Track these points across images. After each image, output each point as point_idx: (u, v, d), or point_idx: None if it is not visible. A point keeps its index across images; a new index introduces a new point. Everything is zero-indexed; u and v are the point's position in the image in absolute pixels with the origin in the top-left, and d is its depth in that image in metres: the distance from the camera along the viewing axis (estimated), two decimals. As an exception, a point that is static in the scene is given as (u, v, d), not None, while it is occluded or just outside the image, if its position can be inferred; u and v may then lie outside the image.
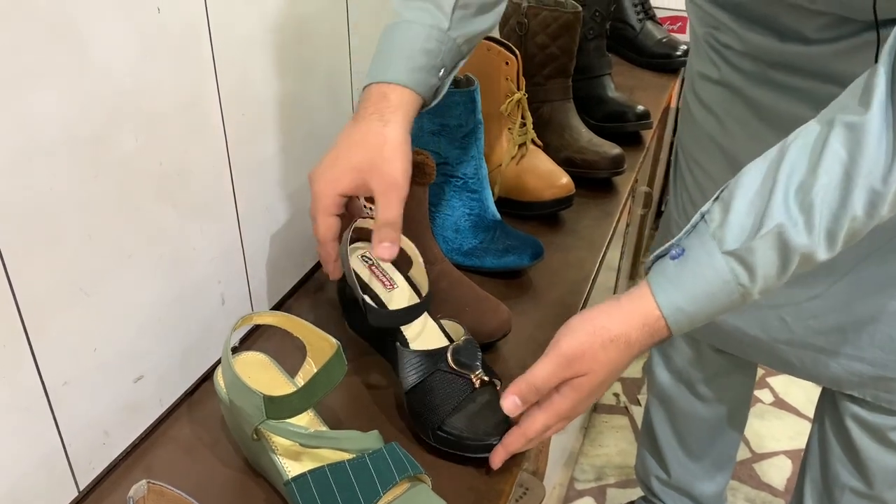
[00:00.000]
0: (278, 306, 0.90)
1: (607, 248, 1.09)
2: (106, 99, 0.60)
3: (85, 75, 0.57)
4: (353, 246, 0.81)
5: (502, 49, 1.09)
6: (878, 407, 1.02)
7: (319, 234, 0.71)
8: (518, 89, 1.10)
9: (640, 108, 1.35)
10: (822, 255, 0.61)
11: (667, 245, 0.66)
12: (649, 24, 1.72)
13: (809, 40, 0.79)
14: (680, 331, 0.65)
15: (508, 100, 1.10)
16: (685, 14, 1.87)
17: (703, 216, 0.65)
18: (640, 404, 1.74)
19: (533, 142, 1.14)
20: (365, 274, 0.79)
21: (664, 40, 1.69)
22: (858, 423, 1.06)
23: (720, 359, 1.24)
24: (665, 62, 1.68)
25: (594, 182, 1.21)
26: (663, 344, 1.07)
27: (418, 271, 0.80)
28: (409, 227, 0.77)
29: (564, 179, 1.11)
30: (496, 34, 1.39)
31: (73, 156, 0.58)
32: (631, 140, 1.37)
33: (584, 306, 0.96)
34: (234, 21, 0.72)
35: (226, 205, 0.77)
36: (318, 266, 0.98)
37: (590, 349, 0.64)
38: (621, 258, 1.55)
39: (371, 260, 0.81)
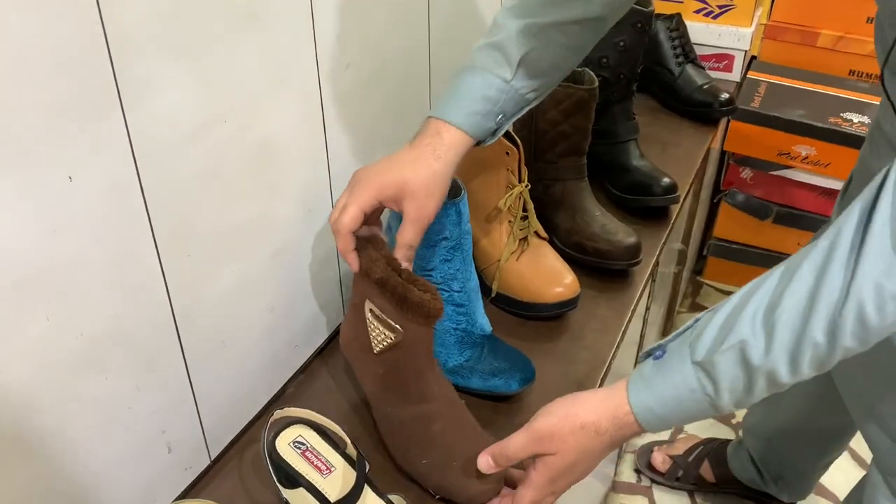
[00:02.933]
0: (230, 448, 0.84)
1: (612, 358, 1.00)
2: (7, 287, 0.54)
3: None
4: (284, 432, 0.74)
5: (503, 138, 1.00)
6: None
7: (344, 223, 0.74)
8: (520, 181, 1.02)
9: (667, 180, 1.24)
10: (785, 377, 0.62)
11: (656, 343, 0.70)
12: (689, 68, 1.60)
13: None
14: (652, 429, 0.68)
15: (509, 193, 1.01)
16: (731, 52, 1.75)
17: (695, 321, 0.68)
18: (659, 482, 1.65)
19: (537, 234, 1.05)
20: (298, 463, 0.72)
21: (705, 87, 1.56)
22: None
23: None
24: (704, 111, 1.55)
25: (603, 272, 1.12)
26: None
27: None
28: (411, 366, 0.77)
29: (569, 279, 1.02)
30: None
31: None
32: (655, 214, 1.26)
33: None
34: (174, 164, 0.66)
35: (170, 355, 0.72)
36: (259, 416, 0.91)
37: (559, 431, 0.69)
38: (642, 337, 1.44)
39: (304, 445, 0.74)
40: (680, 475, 1.62)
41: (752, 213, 1.91)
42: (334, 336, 0.98)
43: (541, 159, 1.15)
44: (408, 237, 0.76)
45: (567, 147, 1.13)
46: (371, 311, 0.76)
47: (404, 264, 0.75)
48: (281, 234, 0.83)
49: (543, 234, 1.06)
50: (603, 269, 1.11)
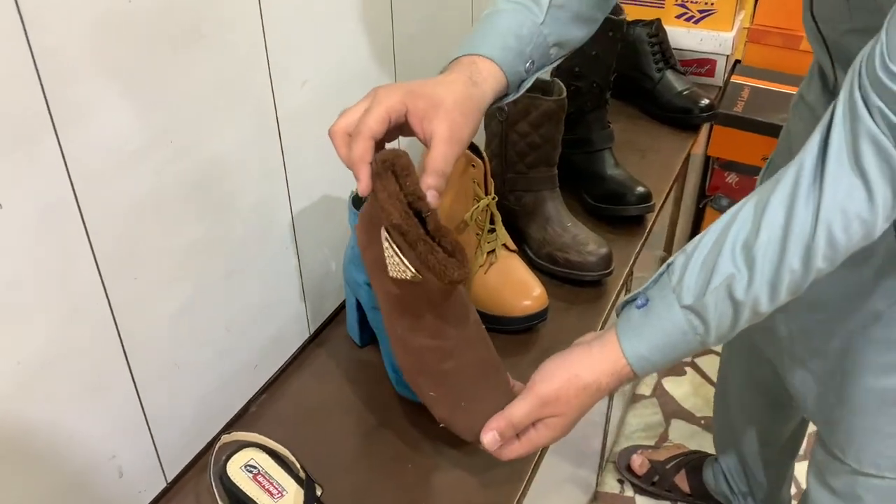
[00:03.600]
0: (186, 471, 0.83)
1: (581, 372, 0.98)
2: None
3: None
4: (236, 455, 0.73)
5: (468, 151, 0.99)
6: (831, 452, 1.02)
7: (367, 123, 0.65)
8: (486, 194, 1.00)
9: (641, 189, 1.23)
10: (765, 306, 0.65)
11: (634, 293, 0.71)
12: (669, 74, 1.58)
13: None
14: (645, 374, 0.71)
15: (475, 206, 1.00)
16: (713, 56, 1.74)
17: (668, 266, 0.70)
18: (643, 493, 1.64)
19: (505, 246, 1.04)
20: (249, 487, 0.71)
21: (685, 92, 1.55)
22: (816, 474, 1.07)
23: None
24: (684, 117, 1.54)
25: (575, 282, 1.11)
26: None
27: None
28: (430, 303, 0.71)
29: (537, 291, 1.01)
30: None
31: None
32: (630, 223, 1.25)
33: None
34: (115, 186, 0.65)
35: (118, 378, 0.70)
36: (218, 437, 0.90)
37: (564, 395, 0.70)
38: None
39: (256, 468, 0.73)
40: (656, 480, 1.61)
41: (738, 218, 1.90)
42: (299, 354, 0.97)
43: (512, 170, 1.14)
44: (439, 163, 0.65)
45: (537, 157, 1.12)
46: (387, 239, 0.66)
47: (433, 201, 0.64)
48: (236, 253, 0.82)
49: (512, 246, 1.05)
50: (575, 281, 1.10)
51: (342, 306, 1.04)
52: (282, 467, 0.73)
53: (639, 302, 0.71)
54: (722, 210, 1.91)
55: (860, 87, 0.61)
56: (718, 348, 1.62)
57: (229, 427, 0.86)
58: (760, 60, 1.88)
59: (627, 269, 1.16)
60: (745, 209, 0.66)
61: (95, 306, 0.66)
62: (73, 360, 0.65)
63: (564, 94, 1.09)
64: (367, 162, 0.65)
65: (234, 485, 0.71)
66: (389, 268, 0.67)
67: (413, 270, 0.65)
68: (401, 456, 0.85)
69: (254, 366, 0.89)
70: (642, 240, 1.23)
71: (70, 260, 0.63)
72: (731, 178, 1.89)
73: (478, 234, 1.02)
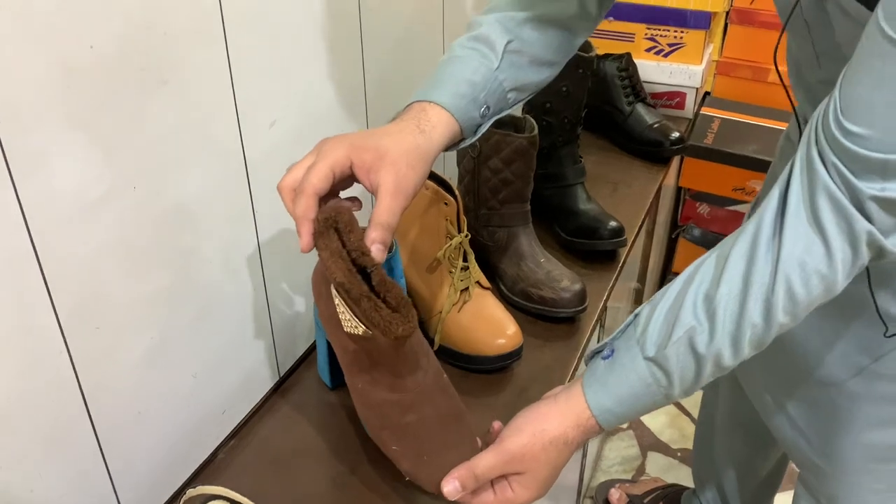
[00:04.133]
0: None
1: (556, 411, 0.97)
2: None
3: None
4: (209, 498, 0.71)
5: (440, 189, 0.99)
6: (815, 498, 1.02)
7: (310, 180, 0.65)
8: (459, 231, 1.00)
9: (614, 223, 1.23)
10: (729, 360, 0.64)
11: (602, 343, 0.71)
12: (640, 108, 1.60)
13: None
14: (609, 426, 0.70)
15: (448, 244, 0.99)
16: (683, 89, 1.76)
17: (635, 317, 0.69)
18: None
19: (479, 284, 1.03)
20: None
21: (655, 126, 1.56)
22: None
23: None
24: (655, 150, 1.55)
25: (553, 319, 1.10)
26: None
27: None
28: (385, 360, 0.72)
29: (511, 329, 1.00)
30: (444, 160, 1.29)
31: None
32: (603, 257, 1.25)
33: None
34: (76, 235, 0.63)
35: (78, 431, 0.68)
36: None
37: (531, 450, 0.69)
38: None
39: None
40: None
41: (710, 247, 1.91)
42: (269, 398, 0.95)
43: (485, 206, 1.13)
44: (383, 215, 0.64)
45: (509, 193, 1.11)
46: (336, 296, 0.66)
47: (377, 255, 0.64)
48: (202, 298, 0.80)
49: (486, 283, 1.04)
50: (549, 317, 1.10)
51: (313, 347, 1.03)
52: (249, 521, 0.71)
53: (605, 353, 0.70)
54: (695, 240, 1.93)
55: (816, 143, 0.60)
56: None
57: (196, 476, 0.84)
58: (730, 92, 1.91)
59: (602, 304, 1.16)
60: (707, 262, 0.66)
61: (55, 358, 0.64)
62: (30, 414, 0.63)
63: (536, 130, 1.09)
64: (310, 219, 0.65)
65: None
66: (343, 323, 0.68)
67: (363, 326, 0.65)
68: (373, 504, 0.83)
69: (221, 411, 0.87)
70: (615, 274, 1.22)
71: (28, 311, 0.61)
72: (703, 209, 1.90)
73: (451, 272, 1.01)
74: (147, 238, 0.71)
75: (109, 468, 0.72)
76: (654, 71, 1.72)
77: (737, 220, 1.87)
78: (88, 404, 0.68)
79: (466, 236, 1.00)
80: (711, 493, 1.46)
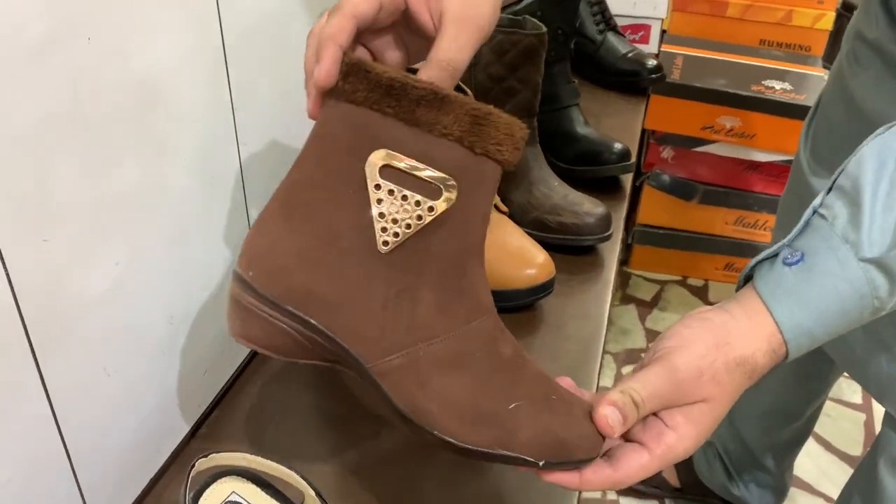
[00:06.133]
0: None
1: (604, 349, 0.82)
2: None
3: None
4: (211, 489, 0.50)
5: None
6: None
7: (328, 29, 0.47)
8: (473, 142, 0.82)
9: (619, 146, 1.09)
10: None
11: (775, 247, 0.52)
12: (611, 37, 1.47)
13: None
14: (799, 353, 0.52)
15: (461, 157, 0.82)
16: (647, 21, 1.64)
17: (815, 211, 0.52)
18: (627, 493, 1.49)
19: (496, 208, 0.87)
20: None
21: (630, 55, 1.43)
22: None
23: None
24: (632, 80, 1.42)
25: (570, 249, 0.94)
26: None
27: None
28: (462, 250, 0.50)
29: (541, 258, 0.84)
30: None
31: None
32: (607, 186, 1.10)
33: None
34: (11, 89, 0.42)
35: (28, 390, 0.47)
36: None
37: (710, 368, 0.49)
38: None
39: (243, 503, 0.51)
40: None
41: (677, 193, 1.81)
42: (255, 354, 0.75)
43: (483, 124, 0.96)
44: (446, 49, 0.48)
45: (515, 106, 0.95)
46: (384, 167, 0.47)
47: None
48: (177, 211, 0.59)
49: (503, 206, 0.87)
50: (570, 247, 0.94)
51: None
52: (275, 499, 0.51)
53: (788, 258, 0.52)
54: (663, 187, 1.82)
55: None
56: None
57: (179, 453, 0.63)
58: (687, 29, 1.82)
59: (621, 234, 1.01)
60: None
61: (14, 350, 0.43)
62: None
63: (544, 29, 0.93)
64: (340, 43, 0.47)
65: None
66: (383, 232, 0.48)
67: (446, 176, 0.46)
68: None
69: (203, 371, 0.66)
70: (626, 202, 1.09)
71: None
72: (667, 153, 1.80)
73: (463, 194, 0.83)
74: (107, 110, 0.50)
75: (67, 445, 0.51)
76: (617, 2, 1.59)
77: (704, 163, 1.78)
78: (39, 360, 0.47)
79: (481, 148, 0.83)
80: (733, 442, 1.33)
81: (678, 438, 0.49)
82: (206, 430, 0.67)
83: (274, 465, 0.50)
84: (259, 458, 0.50)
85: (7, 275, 0.44)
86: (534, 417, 0.48)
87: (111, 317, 0.53)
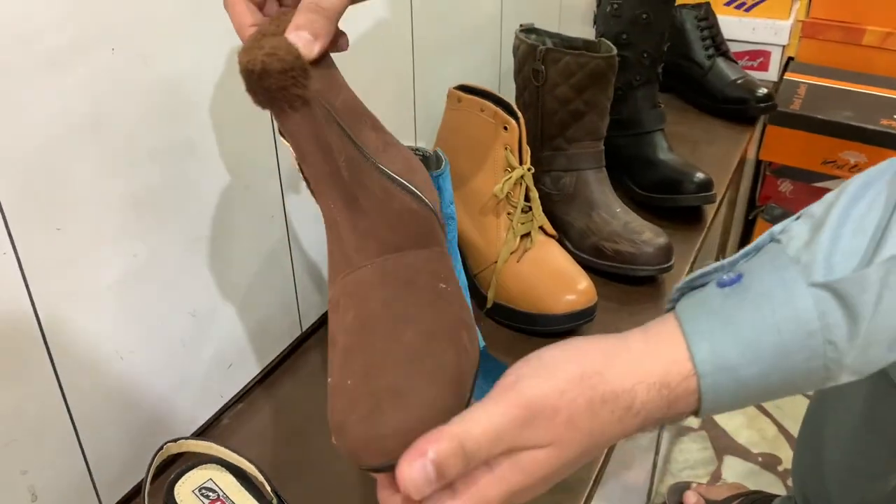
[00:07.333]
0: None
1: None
2: None
3: None
4: (190, 474, 0.53)
5: (500, 110, 0.82)
6: None
7: None
8: (521, 163, 0.82)
9: (701, 175, 1.04)
10: None
11: (709, 267, 0.44)
12: (721, 62, 1.41)
13: None
14: (714, 404, 0.40)
15: (506, 177, 0.82)
16: (767, 48, 1.56)
17: (772, 237, 0.44)
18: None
19: (543, 230, 0.86)
20: None
21: (739, 81, 1.37)
22: None
23: None
24: (739, 108, 1.36)
25: (631, 280, 0.91)
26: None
27: None
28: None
29: (583, 284, 0.82)
30: (499, 81, 1.12)
31: None
32: (687, 216, 1.06)
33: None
34: (31, 90, 0.47)
35: (38, 370, 0.52)
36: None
37: (568, 407, 0.39)
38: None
39: (215, 492, 0.53)
40: None
41: (793, 230, 1.70)
42: (290, 353, 0.79)
43: (549, 146, 0.95)
44: None
45: (580, 129, 0.94)
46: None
47: (308, 36, 0.43)
48: (203, 214, 0.64)
49: (551, 230, 0.86)
50: (626, 277, 0.91)
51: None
52: (248, 491, 0.54)
53: (723, 278, 0.43)
54: (775, 221, 1.71)
55: None
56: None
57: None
58: (817, 57, 1.71)
59: (688, 267, 0.97)
60: None
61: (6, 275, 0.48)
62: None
63: (615, 52, 0.91)
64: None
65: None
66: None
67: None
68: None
69: (228, 364, 0.70)
70: (703, 234, 1.04)
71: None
72: (785, 187, 1.69)
73: (509, 214, 0.83)
74: (131, 115, 0.55)
75: (75, 421, 0.56)
76: (734, 27, 1.53)
77: (825, 199, 1.66)
78: (46, 336, 0.52)
79: (529, 170, 0.83)
80: (811, 488, 1.23)
81: (495, 480, 0.39)
82: (227, 421, 0.71)
83: (241, 459, 0.53)
84: (227, 450, 0.53)
85: (17, 257, 0.49)
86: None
87: (126, 305, 0.58)
